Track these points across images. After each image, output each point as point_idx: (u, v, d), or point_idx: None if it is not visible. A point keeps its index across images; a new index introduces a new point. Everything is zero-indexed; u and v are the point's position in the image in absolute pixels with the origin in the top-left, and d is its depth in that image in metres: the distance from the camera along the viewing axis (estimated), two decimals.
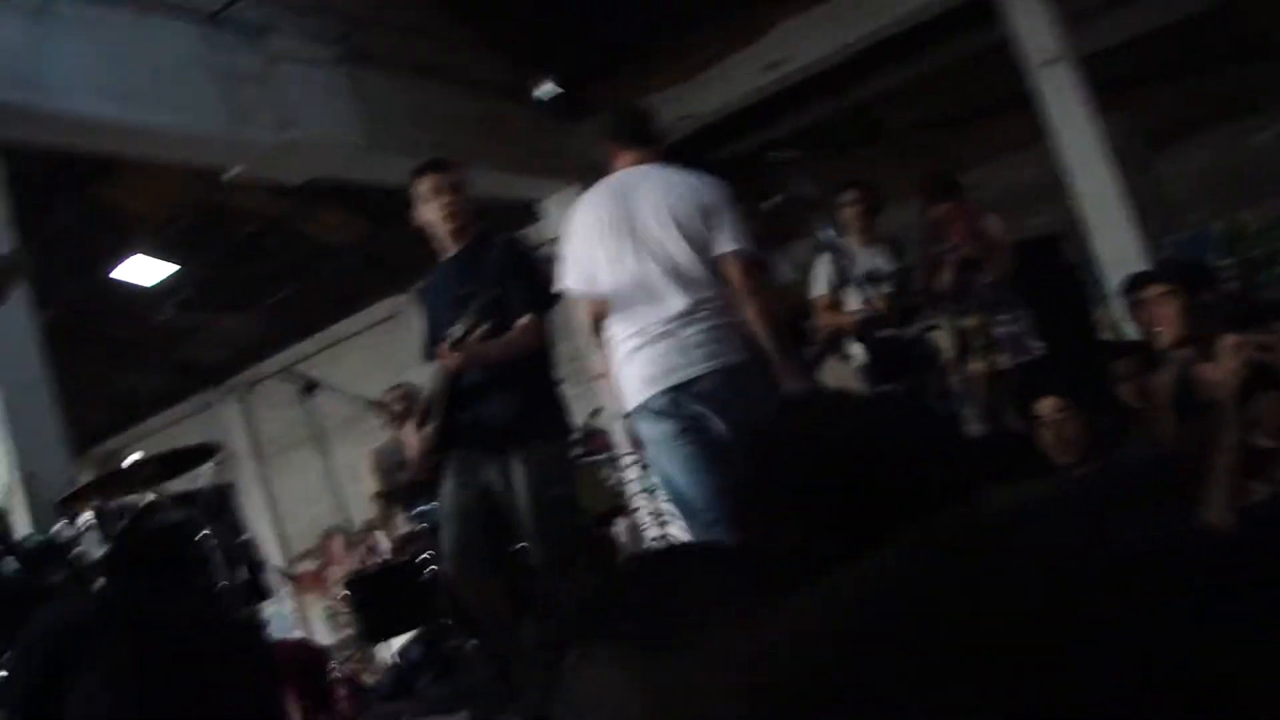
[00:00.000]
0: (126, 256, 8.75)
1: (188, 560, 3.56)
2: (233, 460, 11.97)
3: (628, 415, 3.50)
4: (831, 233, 4.96)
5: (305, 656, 5.62)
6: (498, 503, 3.53)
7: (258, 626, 3.71)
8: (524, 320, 3.54)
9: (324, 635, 7.89)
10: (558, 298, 3.64)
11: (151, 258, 8.88)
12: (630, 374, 3.40)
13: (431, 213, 3.78)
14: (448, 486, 3.61)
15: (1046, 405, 3.44)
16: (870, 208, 5.51)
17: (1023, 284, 5.18)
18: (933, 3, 7.01)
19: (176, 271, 9.03)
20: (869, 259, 5.34)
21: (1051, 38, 6.62)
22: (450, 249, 3.80)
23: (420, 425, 3.72)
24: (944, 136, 8.30)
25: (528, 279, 3.60)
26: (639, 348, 3.37)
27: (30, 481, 4.40)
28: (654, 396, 3.34)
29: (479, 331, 3.39)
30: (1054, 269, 6.62)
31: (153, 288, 9.20)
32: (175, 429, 12.47)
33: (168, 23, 6.13)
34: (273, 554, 11.52)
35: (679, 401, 3.32)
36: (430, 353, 3.72)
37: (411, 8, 7.07)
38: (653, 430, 3.38)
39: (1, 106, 5.28)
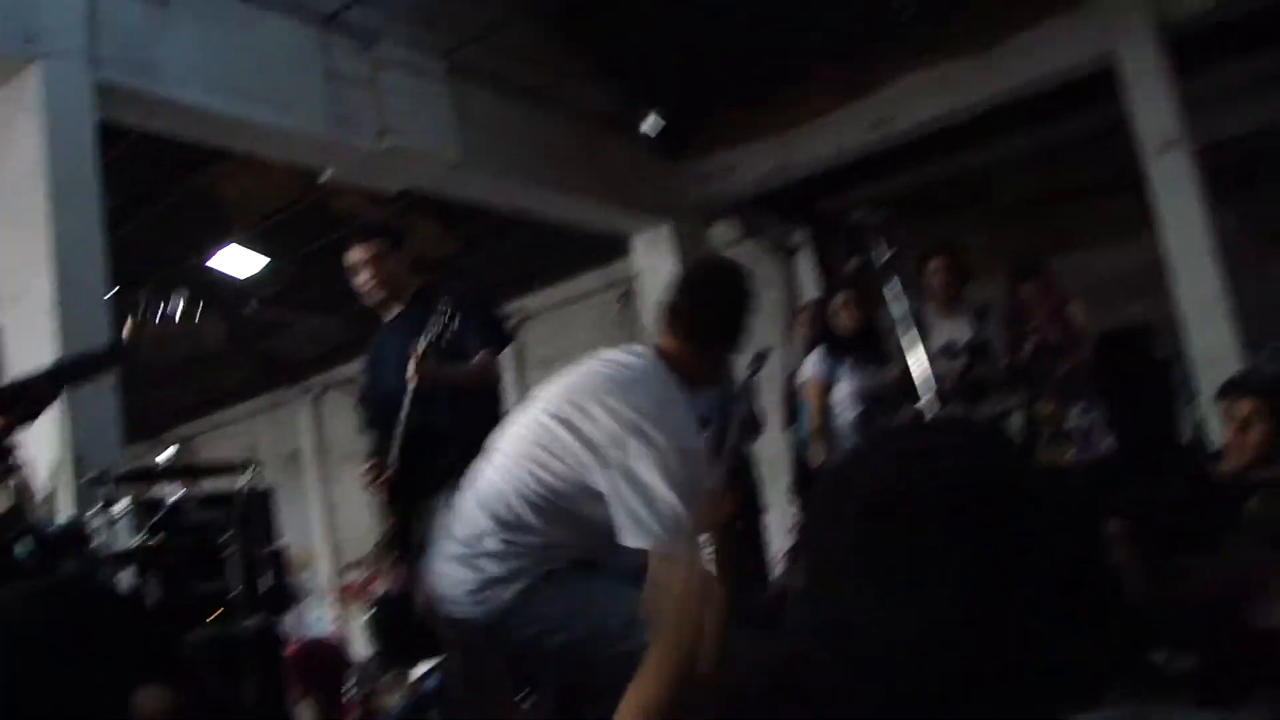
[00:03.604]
0: (221, 247, 8.88)
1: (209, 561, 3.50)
2: (297, 461, 12.10)
3: None
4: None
5: (321, 655, 5.59)
6: None
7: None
8: (480, 355, 3.53)
9: (362, 648, 7.83)
10: (509, 340, 3.83)
11: (245, 249, 9.01)
12: None
13: (359, 285, 3.83)
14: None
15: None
16: (958, 276, 5.28)
17: (1106, 376, 4.93)
18: (1050, 75, 6.75)
19: (267, 265, 9.14)
20: (949, 330, 5.11)
21: (1170, 122, 6.25)
22: (390, 312, 3.86)
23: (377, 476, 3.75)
24: (1047, 213, 8.03)
25: (483, 319, 3.67)
26: None
27: (79, 463, 4.41)
28: None
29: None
30: (1142, 362, 6.28)
31: (243, 281, 9.32)
32: (249, 422, 12.65)
33: (283, 21, 6.19)
34: (324, 559, 11.59)
35: None
36: (366, 421, 3.94)
37: (521, 29, 7.05)
38: None
39: (116, 88, 5.36)
